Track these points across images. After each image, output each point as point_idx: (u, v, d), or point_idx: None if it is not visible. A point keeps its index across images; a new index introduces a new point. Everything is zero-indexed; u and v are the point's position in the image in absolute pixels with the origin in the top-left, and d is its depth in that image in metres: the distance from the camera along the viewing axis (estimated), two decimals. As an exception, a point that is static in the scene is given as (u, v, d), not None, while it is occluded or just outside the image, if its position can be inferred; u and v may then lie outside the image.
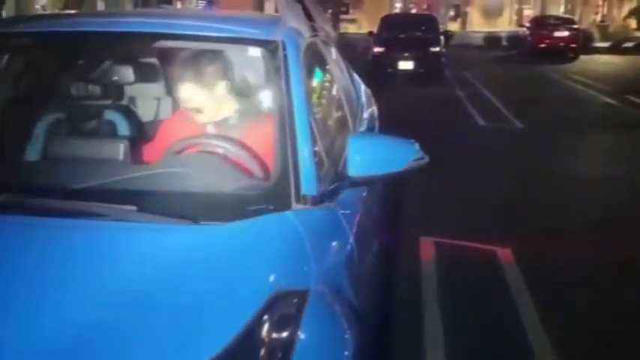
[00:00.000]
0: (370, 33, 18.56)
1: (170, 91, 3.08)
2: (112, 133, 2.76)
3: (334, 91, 3.19)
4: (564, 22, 25.30)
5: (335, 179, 2.23)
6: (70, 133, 2.75)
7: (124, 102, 3.11)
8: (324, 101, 3.03)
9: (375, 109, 4.26)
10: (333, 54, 3.51)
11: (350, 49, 21.45)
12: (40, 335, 1.50)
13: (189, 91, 2.43)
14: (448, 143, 8.48)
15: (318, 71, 3.03)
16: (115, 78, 2.83)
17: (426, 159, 2.36)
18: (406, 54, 15.91)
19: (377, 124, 4.09)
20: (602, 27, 33.55)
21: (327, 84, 3.16)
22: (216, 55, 2.49)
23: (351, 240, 2.18)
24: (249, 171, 2.24)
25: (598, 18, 41.81)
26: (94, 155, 2.38)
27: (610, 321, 3.81)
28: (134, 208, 1.90)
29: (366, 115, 3.81)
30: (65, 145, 2.54)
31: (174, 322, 1.57)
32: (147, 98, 3.13)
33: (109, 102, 2.93)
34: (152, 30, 2.61)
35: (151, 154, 2.50)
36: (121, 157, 2.36)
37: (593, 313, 3.90)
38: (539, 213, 5.79)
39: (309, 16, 3.07)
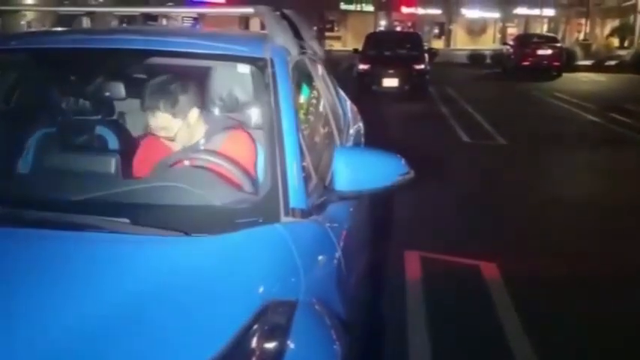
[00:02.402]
0: (355, 50, 18.67)
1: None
2: (103, 148, 2.80)
3: (321, 108, 3.24)
4: (547, 41, 25.58)
5: (323, 193, 2.27)
6: (62, 148, 2.77)
7: (114, 117, 3.15)
8: (311, 117, 3.08)
9: (361, 125, 4.31)
10: (320, 71, 3.57)
11: (334, 66, 21.63)
12: (32, 347, 1.51)
13: (162, 120, 2.48)
14: (431, 159, 8.55)
15: (305, 88, 3.08)
16: (107, 94, 2.88)
17: (412, 174, 2.38)
18: (391, 71, 16.02)
19: (363, 140, 4.14)
20: (585, 45, 33.95)
21: (314, 100, 3.21)
22: (187, 83, 2.52)
23: (339, 252, 2.21)
24: (239, 184, 2.29)
25: (581, 36, 42.33)
26: (87, 169, 2.42)
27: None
28: (127, 220, 1.94)
29: (352, 131, 3.87)
30: (58, 158, 2.56)
31: (163, 331, 1.58)
32: (136, 113, 3.13)
33: (99, 117, 2.96)
34: (143, 47, 2.66)
35: (136, 169, 2.55)
36: (112, 170, 2.39)
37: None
38: (517, 228, 5.83)
39: (297, 34, 3.11)
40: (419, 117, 12.92)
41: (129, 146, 2.84)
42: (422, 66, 16.40)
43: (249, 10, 2.74)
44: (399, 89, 15.96)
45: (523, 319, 3.97)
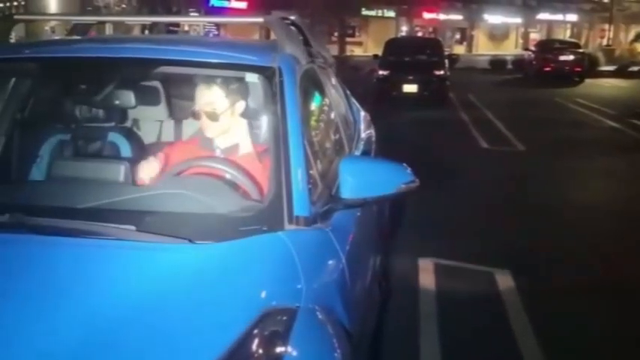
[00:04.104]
0: (375, 56, 18.65)
1: (172, 113, 3.20)
2: (115, 155, 2.84)
3: (331, 116, 3.26)
4: (569, 46, 25.39)
5: (328, 201, 2.29)
6: (74, 155, 2.83)
7: (128, 124, 3.20)
8: (320, 125, 3.09)
9: (372, 132, 4.32)
10: (330, 79, 3.58)
11: (355, 72, 21.64)
12: (41, 351, 1.56)
13: (214, 95, 2.56)
14: (450, 166, 8.55)
15: (314, 96, 3.09)
16: (117, 102, 2.92)
17: (417, 182, 2.38)
18: (410, 77, 15.95)
19: (374, 147, 4.14)
20: (608, 51, 33.63)
21: (323, 108, 3.22)
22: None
23: (343, 260, 2.21)
24: (246, 193, 2.32)
25: (604, 42, 41.91)
26: (96, 176, 2.47)
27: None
28: (133, 227, 1.97)
29: (363, 138, 3.88)
30: (68, 166, 2.62)
31: (164, 336, 1.62)
32: (149, 120, 3.22)
33: (112, 124, 3.01)
34: (153, 56, 2.70)
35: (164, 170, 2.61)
36: (121, 178, 2.44)
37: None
38: (533, 238, 5.80)
39: (306, 42, 3.16)
40: (438, 123, 12.89)
41: (141, 153, 2.88)
42: (442, 72, 16.32)
43: (258, 19, 2.78)
44: (419, 95, 15.88)
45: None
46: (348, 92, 4.27)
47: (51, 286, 1.76)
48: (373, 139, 4.22)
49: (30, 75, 3.05)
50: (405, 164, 2.43)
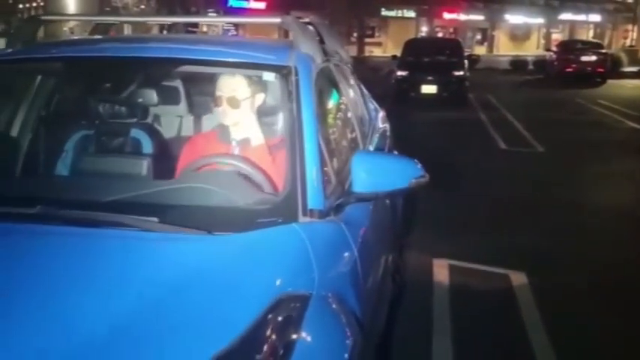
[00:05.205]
0: (394, 56, 18.60)
1: (192, 109, 3.31)
2: (137, 150, 2.95)
3: (346, 113, 3.33)
4: (592, 47, 25.14)
5: (341, 195, 2.38)
6: (98, 150, 2.94)
7: (149, 120, 3.29)
8: (335, 122, 3.16)
9: (387, 126, 4.38)
10: (346, 77, 3.64)
11: (373, 73, 21.58)
12: (70, 337, 1.63)
13: (237, 83, 2.67)
14: (467, 167, 8.49)
15: (330, 94, 3.16)
16: (141, 99, 3.06)
17: (427, 177, 2.42)
18: (429, 78, 15.87)
19: (388, 142, 4.21)
20: (631, 51, 33.21)
21: (339, 106, 3.29)
22: None
23: (356, 252, 2.29)
24: (261, 187, 2.42)
25: (627, 42, 41.46)
26: (120, 170, 2.61)
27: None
28: (156, 219, 2.09)
29: (377, 134, 3.95)
30: (93, 161, 2.74)
31: (186, 319, 1.71)
32: (170, 116, 3.33)
33: (134, 120, 3.11)
34: (173, 55, 2.83)
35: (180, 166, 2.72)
36: (144, 172, 2.58)
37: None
38: (544, 237, 5.74)
39: (322, 41, 3.25)
40: (456, 123, 12.81)
41: (162, 148, 3.01)
42: (461, 72, 16.22)
43: (275, 19, 2.87)
44: (438, 96, 15.79)
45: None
46: (365, 90, 4.29)
47: (80, 273, 1.86)
48: (388, 133, 4.27)
49: (56, 73, 3.16)
50: (415, 159, 2.47)
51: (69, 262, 1.91)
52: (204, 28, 25.20)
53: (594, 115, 14.86)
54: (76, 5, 32.40)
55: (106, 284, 1.81)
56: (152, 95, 3.03)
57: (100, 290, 1.78)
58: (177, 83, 3.21)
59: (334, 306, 1.91)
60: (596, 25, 55.63)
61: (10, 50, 2.90)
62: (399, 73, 16.44)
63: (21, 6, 34.12)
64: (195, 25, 24.37)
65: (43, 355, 1.57)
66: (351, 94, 3.64)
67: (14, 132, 3.05)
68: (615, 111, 15.14)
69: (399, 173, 2.39)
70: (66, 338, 1.62)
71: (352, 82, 3.85)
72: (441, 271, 4.81)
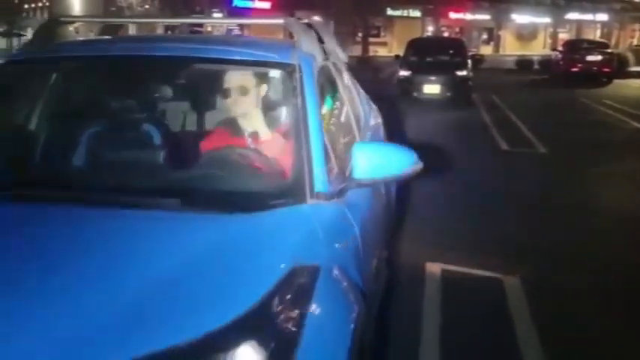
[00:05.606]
0: (397, 56, 18.50)
1: (195, 105, 3.51)
2: (149, 142, 3.12)
3: (343, 108, 3.54)
4: (597, 46, 25.00)
5: (343, 181, 2.60)
6: (115, 142, 3.10)
7: (157, 115, 3.43)
8: (334, 115, 3.38)
9: (380, 120, 4.67)
10: (342, 74, 3.87)
11: (376, 73, 21.51)
12: (103, 307, 1.78)
13: (244, 74, 2.95)
14: (464, 169, 8.35)
15: (329, 90, 3.36)
16: (157, 95, 3.32)
17: (421, 165, 2.62)
18: (432, 78, 15.76)
19: (382, 132, 4.53)
20: (638, 51, 33.02)
21: (336, 101, 3.49)
22: None
23: (356, 231, 2.58)
24: (270, 174, 2.69)
25: (634, 42, 41.23)
26: (140, 159, 2.87)
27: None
28: (179, 201, 2.32)
29: (372, 126, 4.24)
30: (115, 151, 2.95)
31: (209, 285, 1.89)
32: (175, 112, 3.51)
33: (144, 115, 3.27)
34: (187, 54, 3.06)
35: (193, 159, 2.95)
36: (161, 161, 2.84)
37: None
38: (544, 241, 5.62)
39: (321, 41, 3.45)
40: (458, 123, 12.70)
41: (172, 140, 3.20)
42: (464, 72, 16.08)
43: (279, 21, 3.20)
44: (441, 96, 15.69)
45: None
46: (360, 88, 4.53)
47: (119, 247, 2.07)
48: (381, 126, 4.59)
49: (72, 72, 3.38)
50: (411, 148, 2.65)
51: (109, 238, 2.12)
52: (209, 28, 25.17)
53: (599, 115, 14.72)
54: (82, 5, 32.48)
55: (141, 255, 2.01)
56: (168, 91, 3.28)
57: (139, 260, 1.99)
58: (183, 81, 3.41)
59: (340, 278, 2.15)
60: (604, 24, 55.30)
61: (35, 49, 3.21)
62: (402, 73, 16.33)
63: (26, 6, 34.21)
64: (200, 25, 24.37)
65: (103, 309, 1.77)
66: (348, 89, 3.88)
67: (41, 125, 3.27)
68: (620, 111, 15.00)
69: (396, 161, 2.58)
70: (100, 309, 1.77)
71: (348, 79, 4.07)
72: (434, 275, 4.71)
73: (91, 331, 1.71)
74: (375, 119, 4.59)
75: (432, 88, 15.77)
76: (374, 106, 4.80)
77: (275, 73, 2.95)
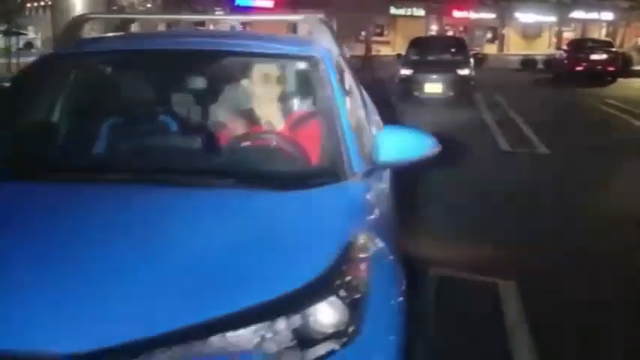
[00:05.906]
0: (399, 55, 18.37)
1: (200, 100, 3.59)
2: (166, 132, 3.27)
3: (357, 98, 3.74)
4: (602, 45, 24.83)
5: (370, 163, 2.77)
6: (131, 132, 3.23)
7: (174, 108, 3.51)
8: (351, 103, 3.53)
9: (378, 118, 4.70)
10: (348, 69, 4.01)
11: (377, 72, 21.36)
12: (173, 272, 1.93)
13: (268, 65, 3.22)
14: (464, 169, 8.19)
15: (343, 81, 3.54)
16: (191, 87, 3.45)
17: (439, 148, 2.82)
18: (434, 77, 15.59)
19: (381, 125, 4.46)
20: (643, 50, 32.82)
21: (350, 92, 3.63)
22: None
23: (386, 205, 2.90)
24: (305, 157, 2.88)
25: (639, 41, 41.00)
26: (182, 145, 3.08)
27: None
28: (233, 180, 2.52)
29: (374, 120, 4.37)
30: (156, 138, 3.13)
31: (271, 255, 2.03)
32: (179, 106, 3.55)
33: (160, 108, 3.41)
34: (216, 48, 3.33)
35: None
36: (199, 146, 3.00)
37: None
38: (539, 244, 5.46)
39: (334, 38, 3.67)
40: (459, 123, 12.46)
41: (186, 131, 3.30)
42: (466, 71, 15.91)
43: (300, 17, 3.54)
44: (443, 95, 15.53)
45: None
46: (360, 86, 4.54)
47: (187, 221, 2.20)
48: (381, 123, 4.58)
49: (124, 65, 3.53)
50: (430, 133, 2.85)
51: (180, 212, 2.26)
52: (211, 27, 25.02)
53: (602, 114, 14.57)
54: (83, 3, 32.39)
55: (209, 228, 2.15)
56: (202, 82, 3.42)
57: (208, 232, 2.13)
58: (220, 72, 3.51)
59: (385, 248, 2.32)
60: (609, 23, 54.97)
61: (70, 45, 3.40)
62: (403, 72, 16.15)
63: (29, 5, 34.09)
64: (202, 23, 24.26)
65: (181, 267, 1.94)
66: (354, 84, 4.01)
67: (99, 114, 3.36)
68: (624, 111, 14.83)
69: (418, 145, 2.79)
70: (195, 263, 1.95)
71: (352, 74, 4.20)
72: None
73: (172, 292, 1.86)
74: (374, 116, 4.61)
75: (433, 87, 15.61)
76: (372, 105, 4.77)
77: (302, 65, 3.20)
